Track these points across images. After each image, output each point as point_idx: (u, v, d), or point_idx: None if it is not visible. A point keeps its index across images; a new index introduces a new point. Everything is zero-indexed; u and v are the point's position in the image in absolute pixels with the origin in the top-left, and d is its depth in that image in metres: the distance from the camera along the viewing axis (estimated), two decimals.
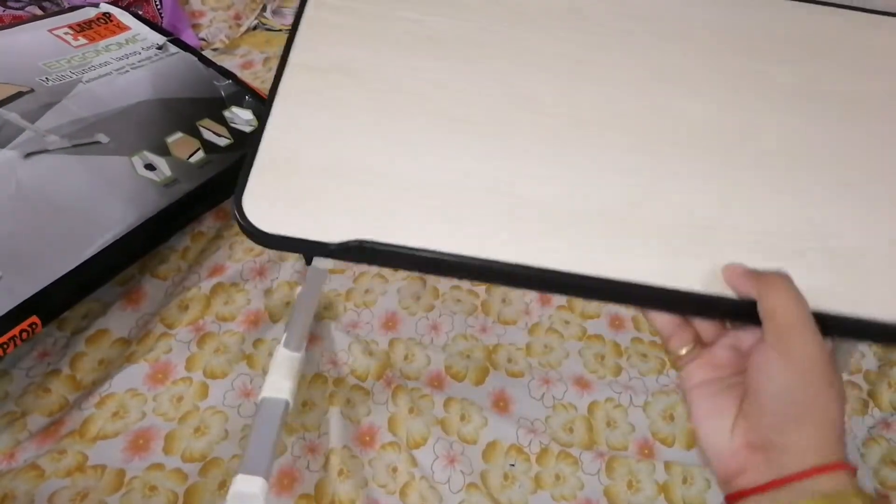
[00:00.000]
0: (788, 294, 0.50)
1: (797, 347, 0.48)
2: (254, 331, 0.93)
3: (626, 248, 0.58)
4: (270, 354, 0.91)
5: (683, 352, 0.57)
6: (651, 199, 0.61)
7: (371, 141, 0.60)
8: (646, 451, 0.89)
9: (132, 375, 0.85)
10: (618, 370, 0.96)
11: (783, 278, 0.51)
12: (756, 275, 0.53)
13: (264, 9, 1.57)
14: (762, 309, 0.50)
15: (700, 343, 0.58)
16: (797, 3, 0.78)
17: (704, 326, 0.58)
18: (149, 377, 0.85)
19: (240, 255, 1.00)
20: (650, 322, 0.61)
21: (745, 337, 0.56)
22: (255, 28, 1.55)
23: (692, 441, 0.90)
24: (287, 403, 0.80)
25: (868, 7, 0.79)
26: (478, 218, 0.57)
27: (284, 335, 0.82)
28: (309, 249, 0.55)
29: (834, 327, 0.58)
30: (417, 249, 0.54)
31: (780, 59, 0.73)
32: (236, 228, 1.04)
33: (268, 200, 0.56)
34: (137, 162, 0.95)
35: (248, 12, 1.55)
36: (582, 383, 0.94)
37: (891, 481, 0.90)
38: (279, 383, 0.82)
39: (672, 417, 0.92)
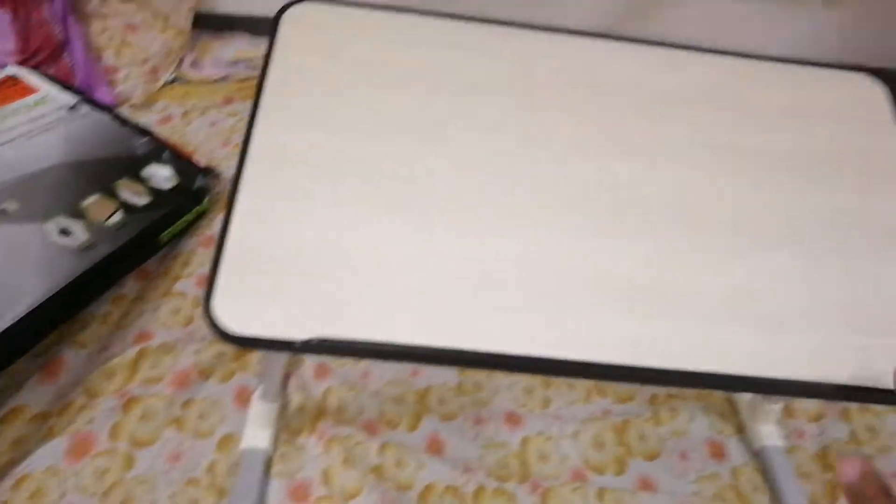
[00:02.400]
0: None
1: None
2: (182, 392, 0.92)
3: (573, 321, 0.61)
4: (202, 416, 0.90)
5: None
6: (590, 266, 0.64)
7: (332, 233, 0.62)
8: (579, 480, 0.91)
9: (51, 452, 0.82)
10: (546, 402, 0.98)
11: None
12: None
13: (181, 62, 1.57)
14: None
15: None
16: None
17: None
18: (69, 452, 0.83)
19: (166, 319, 0.99)
20: None
21: None
22: (172, 81, 1.54)
23: (622, 467, 0.93)
24: (267, 452, 0.86)
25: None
26: (430, 305, 0.60)
27: (260, 387, 0.87)
28: (276, 348, 0.58)
29: (757, 387, 0.63)
30: (377, 344, 0.57)
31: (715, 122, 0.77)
32: (162, 290, 1.03)
33: (236, 302, 0.57)
34: (51, 228, 0.93)
35: (166, 66, 1.54)
36: (513, 419, 0.96)
37: None
38: (258, 433, 0.87)
39: (602, 444, 0.94)
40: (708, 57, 0.82)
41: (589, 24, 1.55)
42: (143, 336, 0.96)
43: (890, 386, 0.65)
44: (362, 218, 0.63)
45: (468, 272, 0.62)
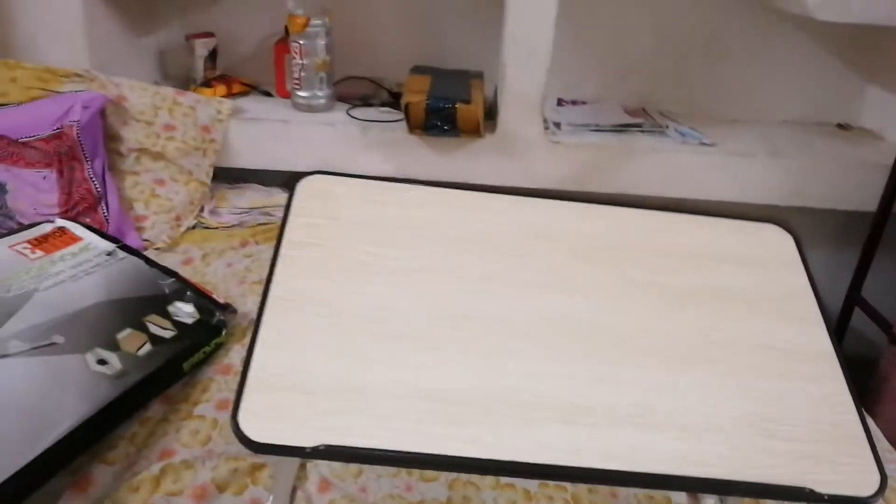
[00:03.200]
0: None
1: None
2: None
3: (531, 430, 0.76)
4: None
5: None
6: (545, 387, 0.79)
7: (336, 360, 0.78)
8: None
9: None
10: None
11: None
12: None
13: (202, 210, 1.77)
14: None
15: None
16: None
17: None
18: None
19: (186, 439, 1.11)
20: None
21: None
22: (193, 227, 1.73)
23: None
24: None
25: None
26: (410, 421, 0.74)
27: (271, 498, 0.98)
28: (289, 454, 0.73)
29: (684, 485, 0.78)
30: (374, 450, 0.71)
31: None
32: (183, 413, 1.16)
33: (257, 416, 0.72)
34: (90, 358, 1.08)
35: (188, 214, 1.74)
36: None
37: None
38: None
39: None
40: (632, 211, 1.00)
41: (557, 177, 1.78)
42: (165, 454, 1.08)
43: (808, 486, 0.77)
44: (356, 347, 0.78)
45: (440, 392, 0.76)
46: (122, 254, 1.34)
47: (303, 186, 0.96)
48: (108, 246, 1.35)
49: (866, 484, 0.78)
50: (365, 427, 0.72)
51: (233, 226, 1.76)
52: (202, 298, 1.33)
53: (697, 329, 0.87)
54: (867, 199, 1.85)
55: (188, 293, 1.32)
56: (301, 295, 0.83)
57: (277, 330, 0.79)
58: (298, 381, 0.75)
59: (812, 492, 0.76)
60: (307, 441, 0.71)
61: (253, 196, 1.85)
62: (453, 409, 0.75)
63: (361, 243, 0.89)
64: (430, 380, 0.77)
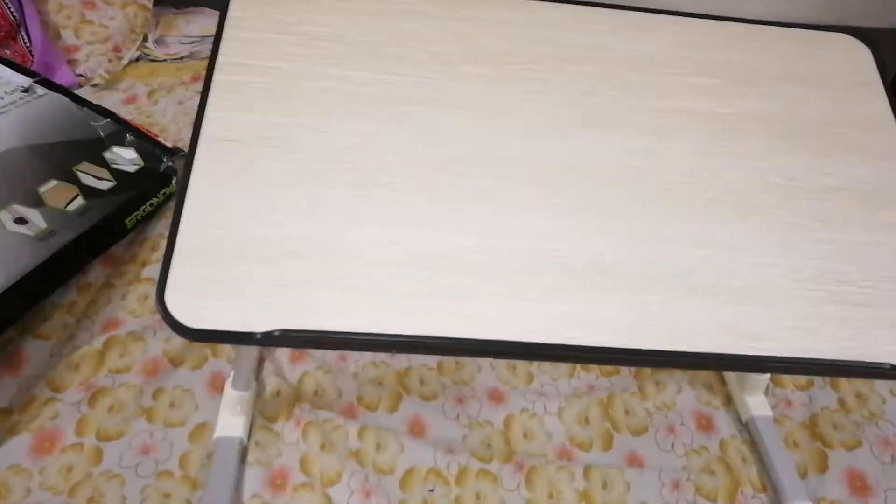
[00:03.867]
0: None
1: None
2: (152, 381, 0.88)
3: (547, 303, 0.59)
4: (173, 405, 0.87)
5: None
6: (555, 247, 0.61)
7: (293, 218, 0.59)
8: (565, 458, 0.89)
9: (14, 449, 0.79)
10: (530, 378, 0.96)
11: None
12: None
13: (145, 39, 1.51)
14: None
15: None
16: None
17: None
18: (33, 448, 0.80)
19: (134, 306, 0.95)
20: None
21: None
22: (137, 60, 1.48)
23: (609, 442, 0.91)
24: (242, 441, 0.83)
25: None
26: (395, 291, 0.57)
27: (232, 374, 0.84)
28: (235, 341, 0.55)
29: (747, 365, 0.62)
30: (342, 334, 0.54)
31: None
32: (129, 276, 1.00)
33: (191, 292, 0.54)
34: (6, 217, 0.89)
35: (129, 44, 1.48)
36: (496, 397, 0.93)
37: None
38: (232, 422, 0.84)
39: (587, 420, 0.92)
40: (672, 20, 0.78)
41: None
42: (110, 324, 0.93)
43: (888, 362, 0.62)
44: (323, 201, 0.60)
45: (433, 256, 0.59)
46: (41, 90, 1.11)
47: None
48: (24, 80, 1.11)
49: None
50: (335, 303, 0.56)
51: (183, 57, 1.51)
52: (146, 142, 1.12)
53: (753, 168, 0.69)
54: None
55: (129, 136, 1.11)
56: (244, 133, 0.63)
57: (214, 180, 0.60)
58: (245, 246, 0.57)
59: (893, 367, 0.62)
60: (258, 324, 0.54)
61: (205, 22, 1.58)
62: (449, 278, 0.58)
63: (324, 64, 0.68)
64: (420, 241, 0.59)
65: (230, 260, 0.57)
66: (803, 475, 0.91)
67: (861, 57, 0.79)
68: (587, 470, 0.87)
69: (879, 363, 0.62)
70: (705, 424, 0.94)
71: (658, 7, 0.78)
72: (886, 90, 0.77)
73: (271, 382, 0.91)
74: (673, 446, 0.92)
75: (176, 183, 1.11)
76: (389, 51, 0.69)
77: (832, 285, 0.65)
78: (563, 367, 0.97)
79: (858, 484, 0.90)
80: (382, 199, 0.60)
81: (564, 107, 0.69)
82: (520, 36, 0.73)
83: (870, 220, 0.69)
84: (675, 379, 0.98)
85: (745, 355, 0.60)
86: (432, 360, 0.97)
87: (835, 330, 0.63)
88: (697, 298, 0.62)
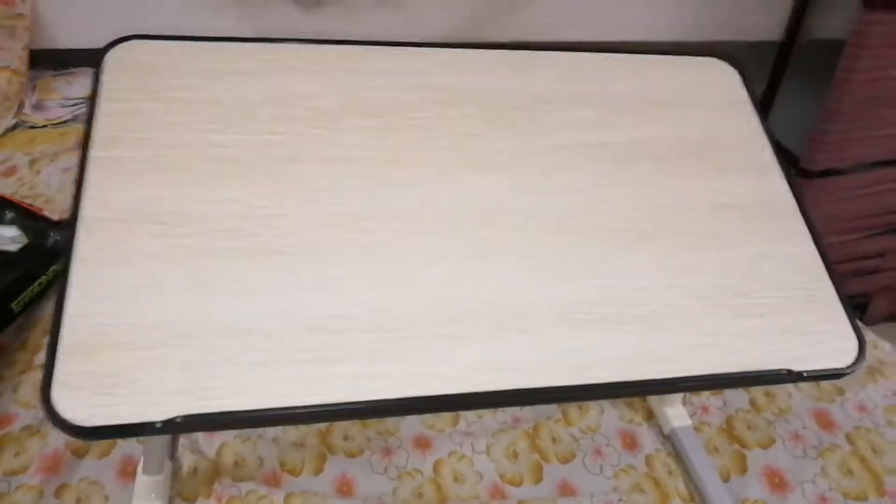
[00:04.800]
0: None
1: None
2: (54, 478, 0.82)
3: (455, 351, 0.58)
4: (80, 500, 0.81)
5: None
6: (468, 294, 0.61)
7: (183, 296, 0.56)
8: (497, 497, 0.88)
9: None
10: (455, 419, 0.95)
11: None
12: None
13: (22, 105, 1.44)
14: None
15: None
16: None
17: None
18: None
19: (28, 398, 0.89)
20: None
21: None
22: (14, 128, 1.41)
23: (539, 474, 0.91)
24: None
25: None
26: (298, 362, 0.55)
27: (142, 459, 0.79)
28: (134, 433, 0.52)
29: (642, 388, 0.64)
30: (244, 412, 0.52)
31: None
32: (20, 365, 0.93)
33: (78, 389, 0.51)
34: None
35: (3, 112, 1.41)
36: (423, 443, 0.92)
37: None
38: None
39: (515, 455, 0.92)
40: (546, 56, 0.80)
41: (448, 27, 1.53)
42: (1, 421, 0.86)
43: (784, 366, 0.65)
44: (213, 275, 0.57)
45: (333, 319, 0.58)
46: None
47: (114, 59, 0.70)
48: None
49: (844, 352, 0.67)
50: (236, 380, 0.54)
51: (66, 121, 1.44)
52: (28, 218, 1.06)
53: (644, 195, 0.71)
54: (770, 27, 1.72)
55: (8, 213, 1.04)
56: (125, 211, 0.60)
57: (98, 263, 0.57)
58: (135, 331, 0.54)
59: (790, 372, 0.65)
60: (157, 413, 0.51)
61: (87, 83, 1.51)
62: (354, 340, 0.57)
63: (202, 131, 0.66)
64: (317, 305, 0.58)
65: (120, 347, 0.54)
66: (725, 479, 0.93)
67: (730, 79, 0.84)
68: None
69: (777, 370, 0.65)
70: (630, 443, 0.96)
71: (539, 40, 0.80)
72: (755, 108, 0.81)
73: (187, 459, 0.87)
74: (602, 469, 0.92)
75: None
76: (268, 110, 0.68)
77: (730, 299, 0.68)
78: None
79: (776, 480, 0.93)
80: (274, 266, 0.59)
81: (451, 152, 0.69)
82: (401, 84, 0.73)
83: (756, 234, 0.72)
84: (596, 401, 1.00)
85: (657, 379, 0.62)
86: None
87: (737, 342, 0.65)
88: (605, 330, 0.63)
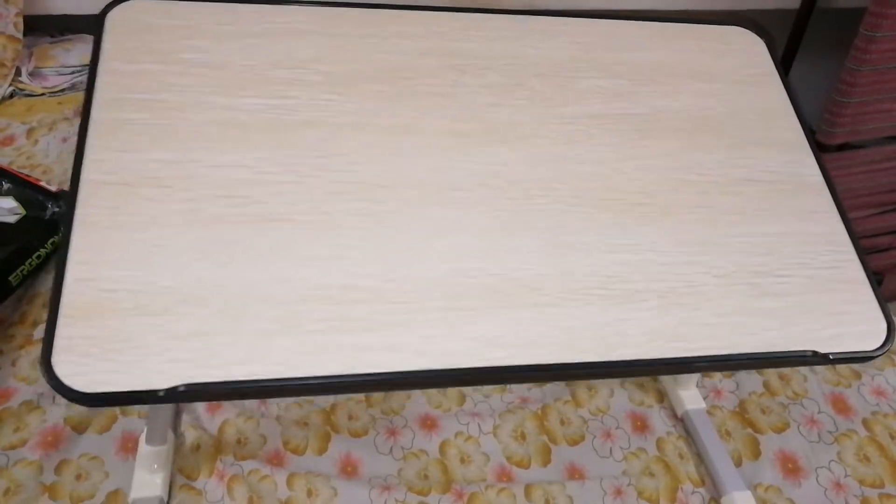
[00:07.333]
0: None
1: None
2: (54, 453, 0.80)
3: (469, 325, 0.56)
4: (80, 477, 0.79)
5: None
6: (482, 268, 0.59)
7: (189, 263, 0.53)
8: (504, 479, 0.86)
9: None
10: (462, 399, 0.93)
11: None
12: None
13: (18, 73, 1.40)
14: None
15: None
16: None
17: None
18: None
19: (27, 372, 0.87)
20: None
21: None
22: (11, 96, 1.37)
23: (547, 457, 0.89)
24: (161, 500, 0.76)
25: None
26: (307, 332, 0.53)
27: (146, 429, 0.78)
28: (137, 401, 0.50)
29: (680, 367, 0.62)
30: (250, 382, 0.51)
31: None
32: (19, 339, 0.91)
33: (81, 355, 0.48)
34: None
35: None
36: (428, 423, 0.90)
37: None
38: (149, 480, 0.77)
39: (523, 436, 0.90)
40: (568, 22, 0.77)
41: None
42: (1, 396, 0.84)
43: (809, 348, 0.63)
44: (220, 241, 0.55)
45: (343, 289, 0.55)
46: None
47: (116, 18, 0.67)
48: None
49: (872, 334, 0.65)
50: (243, 349, 0.51)
51: (63, 90, 1.41)
52: (27, 188, 1.04)
53: (666, 168, 0.69)
54: None
55: (5, 183, 1.02)
56: (129, 174, 0.57)
57: (100, 228, 0.55)
58: (139, 298, 0.52)
59: (815, 354, 0.62)
60: (161, 381, 0.49)
61: (85, 50, 1.48)
62: (362, 311, 0.54)
63: (210, 94, 0.63)
64: (327, 274, 0.55)
65: (123, 314, 0.51)
66: (738, 463, 0.91)
67: (756, 49, 0.81)
68: (528, 489, 0.85)
69: (803, 351, 0.62)
70: (640, 425, 0.94)
71: (558, 8, 0.77)
72: (782, 80, 0.78)
73: (190, 435, 0.85)
74: (611, 452, 0.91)
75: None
76: (279, 74, 0.65)
77: (751, 278, 0.65)
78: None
79: (790, 465, 0.91)
80: (283, 232, 0.56)
81: (469, 121, 0.66)
82: (418, 49, 0.70)
83: (779, 210, 0.70)
84: (606, 382, 0.98)
85: (675, 358, 0.59)
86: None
87: (758, 322, 0.63)
88: (621, 305, 0.61)
